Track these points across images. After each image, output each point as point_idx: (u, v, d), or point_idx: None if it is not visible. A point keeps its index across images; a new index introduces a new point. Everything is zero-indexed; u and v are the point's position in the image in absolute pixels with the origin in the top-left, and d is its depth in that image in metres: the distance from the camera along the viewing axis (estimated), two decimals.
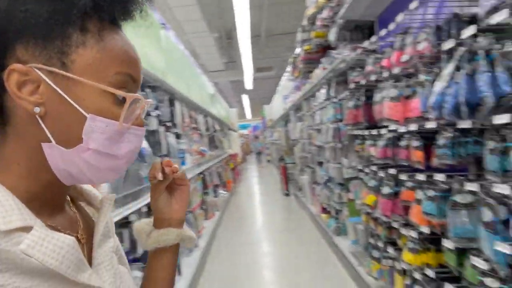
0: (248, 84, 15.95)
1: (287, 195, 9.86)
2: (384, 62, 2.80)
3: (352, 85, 3.68)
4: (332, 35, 4.25)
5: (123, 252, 0.71)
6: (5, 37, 0.48)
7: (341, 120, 4.37)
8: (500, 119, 1.55)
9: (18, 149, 0.52)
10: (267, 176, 15.66)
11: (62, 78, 0.49)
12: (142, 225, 0.73)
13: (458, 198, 1.99)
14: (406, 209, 2.61)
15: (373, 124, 3.20)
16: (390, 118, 2.68)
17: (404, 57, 2.42)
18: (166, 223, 0.71)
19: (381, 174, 3.04)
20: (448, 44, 1.94)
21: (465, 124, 1.78)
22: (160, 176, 0.67)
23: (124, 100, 0.52)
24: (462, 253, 2.10)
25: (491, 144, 1.74)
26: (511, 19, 1.54)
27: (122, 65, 0.52)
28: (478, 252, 1.87)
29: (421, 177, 2.39)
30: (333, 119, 4.66)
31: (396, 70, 2.58)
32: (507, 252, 1.59)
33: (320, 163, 6.17)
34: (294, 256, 5.25)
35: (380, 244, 3.29)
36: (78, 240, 0.56)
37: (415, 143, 2.48)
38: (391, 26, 2.56)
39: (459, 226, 1.97)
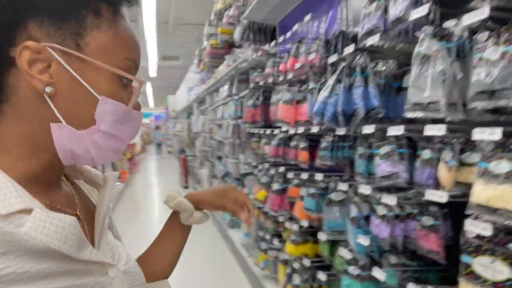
0: (152, 71, 15.34)
1: (186, 188, 9.79)
2: (281, 67, 2.98)
3: (252, 85, 3.82)
4: (237, 34, 4.35)
5: (115, 224, 0.73)
6: (19, 12, 0.47)
7: (240, 117, 4.51)
8: (367, 129, 1.78)
9: (17, 128, 0.50)
10: (166, 168, 15.31)
11: (76, 59, 0.49)
12: (182, 200, 0.88)
13: (333, 196, 2.24)
14: (292, 204, 2.84)
15: (269, 124, 3.38)
16: (283, 120, 2.87)
17: (298, 64, 2.61)
18: (205, 207, 0.92)
19: (272, 171, 3.24)
20: (332, 58, 2.16)
21: (342, 131, 2.01)
22: (250, 222, 0.88)
23: (126, 83, 0.54)
24: (333, 245, 2.37)
25: (360, 150, 1.99)
26: (381, 42, 1.79)
27: (130, 51, 0.54)
28: (346, 244, 2.13)
29: (304, 175, 2.61)
30: (233, 116, 4.79)
31: (290, 75, 2.77)
32: (366, 244, 1.85)
33: (220, 158, 6.28)
34: (187, 248, 5.25)
35: (268, 237, 3.50)
36: (78, 217, 0.57)
37: (302, 144, 2.70)
38: (288, 34, 2.73)
39: (332, 221, 2.22)
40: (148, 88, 21.29)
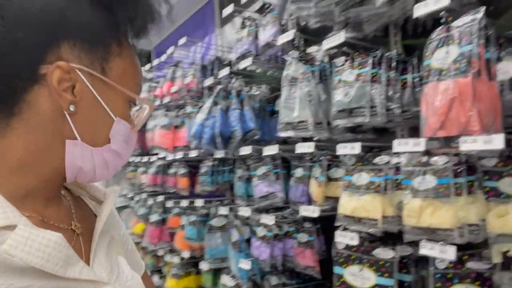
0: None
1: None
2: (157, 91, 2.87)
3: None
4: None
5: (130, 239, 0.72)
6: (54, 32, 0.50)
7: None
8: (244, 150, 1.79)
9: (22, 143, 0.50)
10: None
11: (99, 82, 0.53)
12: None
13: (214, 221, 2.17)
14: (172, 235, 2.67)
15: (145, 151, 3.19)
16: (160, 146, 2.73)
17: (174, 88, 2.54)
18: None
19: (150, 201, 3.03)
20: (208, 81, 2.16)
21: (220, 153, 1.98)
22: None
23: (131, 105, 0.58)
24: (216, 274, 2.28)
25: (239, 172, 1.99)
26: (253, 66, 1.85)
27: (139, 78, 0.59)
28: (228, 271, 2.07)
29: (185, 203, 2.50)
30: None
31: (166, 100, 2.67)
32: (248, 267, 1.82)
33: None
34: None
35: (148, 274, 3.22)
36: (73, 231, 0.57)
37: (182, 170, 2.60)
38: (164, 57, 2.66)
39: (214, 247, 2.14)
40: None
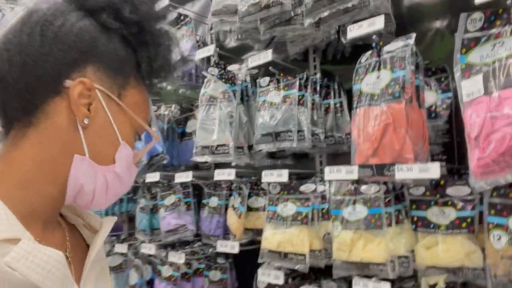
0: None
1: None
2: None
3: None
4: None
5: (105, 264, 0.70)
6: (85, 54, 0.55)
7: None
8: (151, 177, 1.56)
9: (34, 154, 0.52)
10: None
11: (114, 105, 0.57)
12: None
13: (108, 261, 1.84)
14: None
15: None
16: None
17: None
18: None
19: None
20: None
21: None
22: None
23: (136, 137, 0.62)
24: None
25: (142, 202, 1.74)
26: (163, 83, 1.66)
27: (149, 113, 0.65)
28: None
29: None
30: None
31: None
32: None
33: None
34: None
35: None
36: (66, 257, 0.55)
37: None
38: None
39: None
40: None
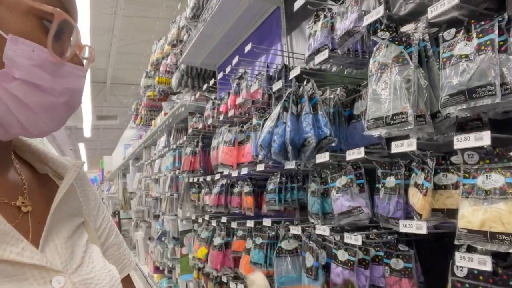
0: (87, 131, 14.48)
1: None
2: (222, 108, 2.75)
3: (190, 130, 3.53)
4: (174, 80, 4.13)
5: (115, 232, 0.66)
6: None
7: (179, 168, 4.12)
8: (321, 158, 1.53)
9: None
10: None
11: None
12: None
13: (284, 244, 1.90)
14: (236, 260, 2.44)
15: (210, 171, 3.05)
16: (224, 163, 2.57)
17: (239, 99, 2.39)
18: None
19: (214, 223, 2.85)
20: (277, 85, 1.96)
21: (291, 164, 1.74)
22: None
23: (45, 24, 0.46)
24: None
25: (313, 186, 1.73)
26: (327, 64, 1.62)
27: None
28: None
29: (250, 224, 2.27)
30: (171, 167, 4.38)
31: (231, 113, 2.53)
32: None
33: (157, 217, 5.69)
34: None
35: None
36: (18, 207, 0.50)
37: (246, 188, 2.39)
38: (228, 69, 2.54)
39: (284, 275, 1.86)
40: (82, 149, 20.05)
